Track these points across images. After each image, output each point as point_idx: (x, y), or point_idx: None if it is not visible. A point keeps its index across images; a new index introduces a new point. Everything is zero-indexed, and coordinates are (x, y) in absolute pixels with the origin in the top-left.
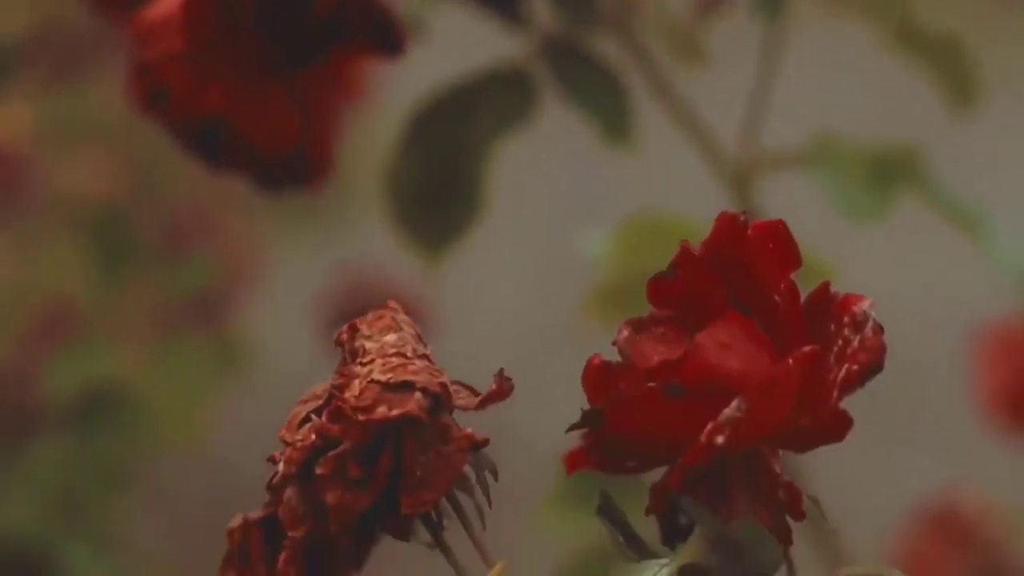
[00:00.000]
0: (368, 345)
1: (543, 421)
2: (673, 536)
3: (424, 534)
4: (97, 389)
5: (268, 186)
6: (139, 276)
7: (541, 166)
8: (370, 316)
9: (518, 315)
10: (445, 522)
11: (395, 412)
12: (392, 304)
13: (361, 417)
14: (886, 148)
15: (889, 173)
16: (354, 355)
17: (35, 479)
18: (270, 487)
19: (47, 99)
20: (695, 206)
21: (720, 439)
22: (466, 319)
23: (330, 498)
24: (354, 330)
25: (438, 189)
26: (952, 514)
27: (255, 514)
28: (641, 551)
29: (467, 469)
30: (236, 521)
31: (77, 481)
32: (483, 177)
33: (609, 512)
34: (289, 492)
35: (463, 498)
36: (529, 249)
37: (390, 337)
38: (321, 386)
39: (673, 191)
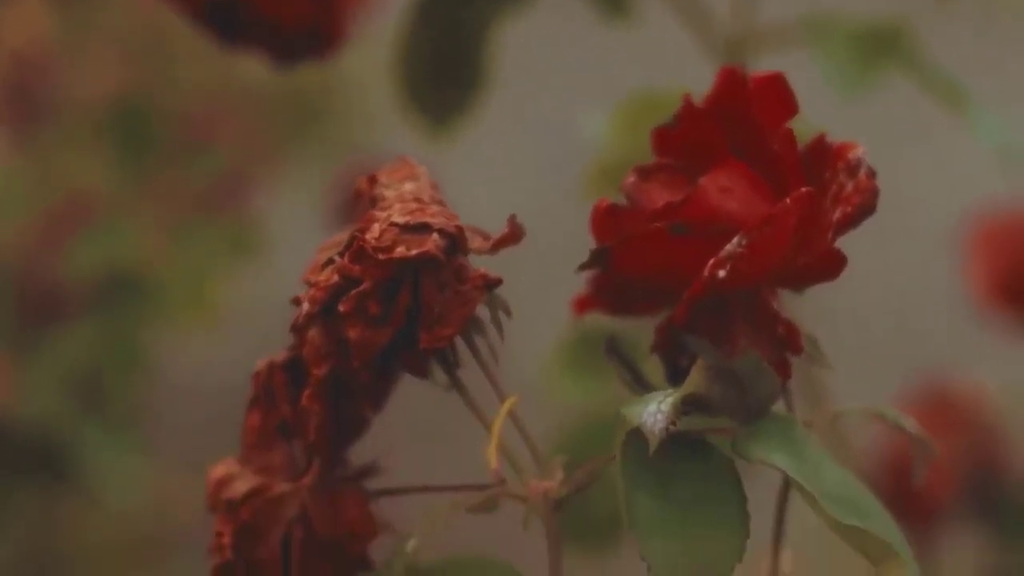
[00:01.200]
0: (387, 193)
1: (542, 303)
2: (676, 375)
3: (440, 376)
4: (116, 272)
5: (283, 59)
6: (157, 168)
7: (541, 48)
8: (388, 167)
9: (519, 195)
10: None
11: (413, 251)
12: (407, 158)
13: (381, 256)
14: (875, 25)
15: (878, 49)
16: (374, 202)
17: (56, 364)
18: (294, 328)
19: (62, 2)
20: (691, 85)
21: (722, 273)
22: (468, 204)
23: (352, 334)
24: (373, 180)
25: (443, 69)
26: (944, 397)
27: (279, 356)
28: (647, 388)
29: (481, 310)
30: (261, 365)
31: (97, 364)
32: (485, 57)
33: (616, 352)
34: (313, 331)
35: (478, 341)
36: (530, 130)
37: (408, 185)
38: (342, 234)
39: (668, 70)
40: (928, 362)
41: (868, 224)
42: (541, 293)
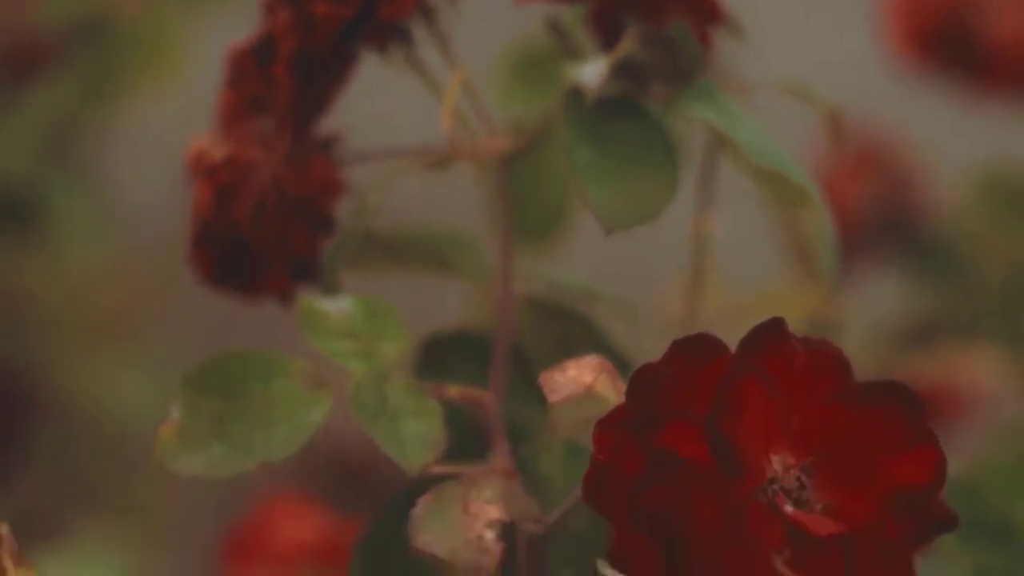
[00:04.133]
0: None
1: None
2: (610, 46)
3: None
4: (89, 18)
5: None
6: None
7: None
8: None
9: None
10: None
11: None
12: None
13: None
14: None
15: None
16: None
17: (28, 119)
18: (265, 7)
19: None
20: None
21: None
22: None
23: (319, 10)
24: None
25: None
26: (861, 142)
27: (247, 42)
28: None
29: None
30: (231, 49)
31: (68, 120)
32: None
33: (557, 29)
34: (282, 11)
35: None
36: None
37: None
38: None
39: None
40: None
41: None
42: None
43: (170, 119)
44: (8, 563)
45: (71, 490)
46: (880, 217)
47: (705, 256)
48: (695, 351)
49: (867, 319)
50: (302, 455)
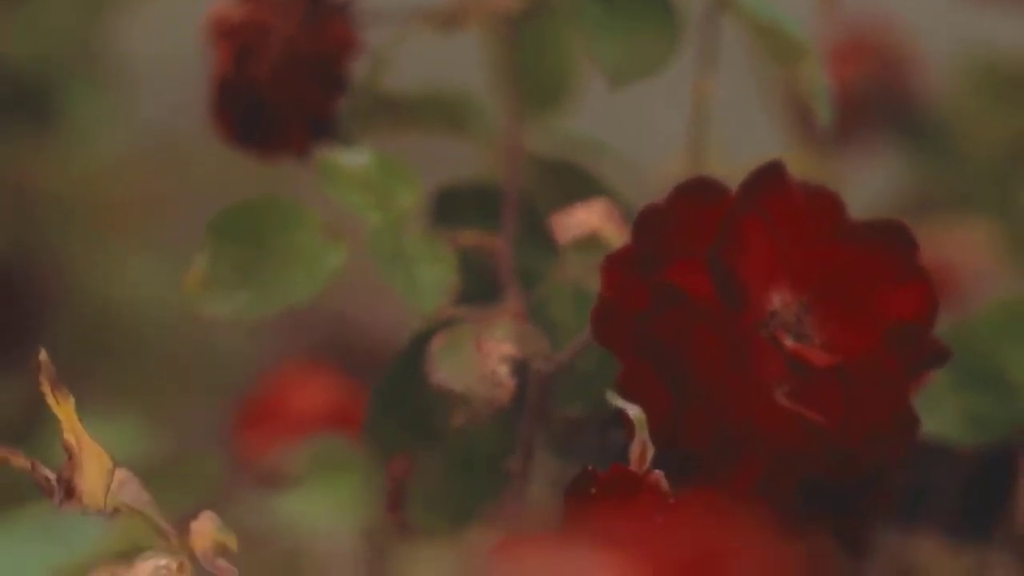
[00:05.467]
0: None
1: None
2: None
3: None
4: None
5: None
6: None
7: None
8: None
9: None
10: None
11: None
12: None
13: None
14: None
15: None
16: None
17: (40, 12)
18: None
19: None
20: None
21: None
22: None
23: None
24: None
25: None
26: (856, 28)
27: None
28: None
29: None
30: None
31: (83, 7)
32: None
33: None
34: None
35: None
36: None
37: None
38: None
39: None
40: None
41: None
42: None
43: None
44: (47, 388)
45: (82, 377)
46: (873, 99)
47: (705, 121)
48: (698, 192)
49: (861, 199)
50: (307, 333)
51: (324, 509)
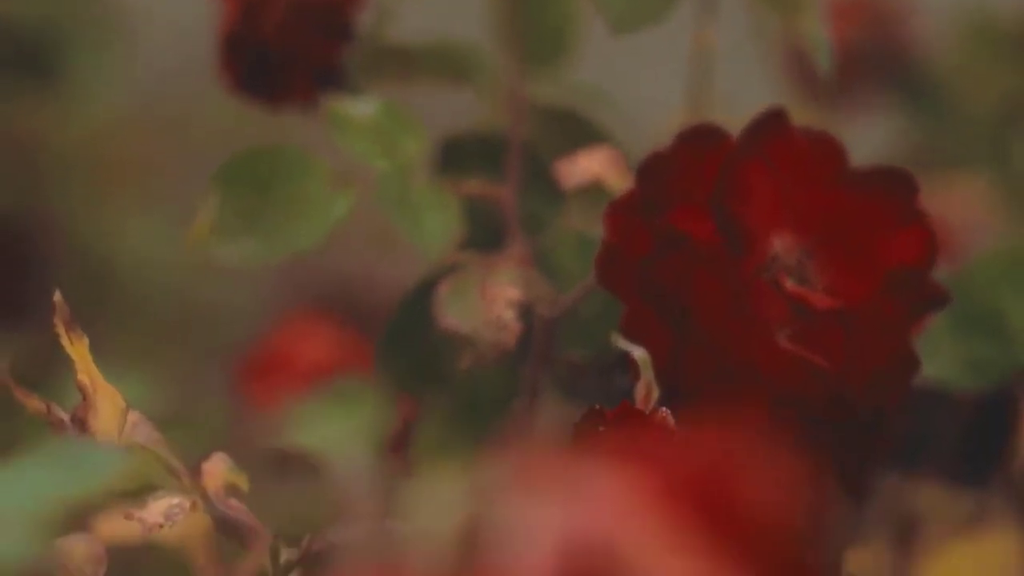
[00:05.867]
0: None
1: None
2: None
3: None
4: None
5: None
6: None
7: None
8: None
9: None
10: None
11: None
12: None
13: None
14: None
15: None
16: None
17: None
18: None
19: None
20: None
21: None
22: None
23: None
24: None
25: None
26: None
27: None
28: None
29: None
30: None
31: None
32: None
33: None
34: None
35: None
36: None
37: None
38: None
39: None
40: None
41: None
42: None
43: None
44: (61, 328)
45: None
46: (870, 55)
47: (705, 73)
48: (700, 138)
49: (858, 155)
50: (309, 292)
51: (338, 436)
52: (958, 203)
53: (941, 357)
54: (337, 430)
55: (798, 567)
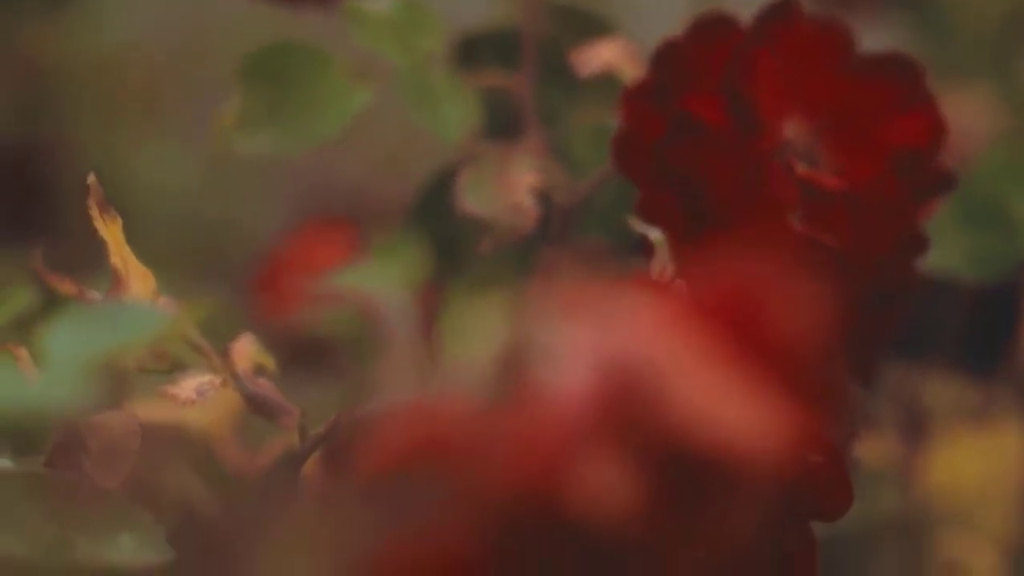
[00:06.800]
0: None
1: None
2: None
3: None
4: None
5: None
6: None
7: None
8: None
9: None
10: None
11: None
12: None
13: None
14: None
15: None
16: None
17: None
18: None
19: None
20: None
21: None
22: None
23: None
24: None
25: None
26: None
27: None
28: None
29: None
30: None
31: None
32: None
33: None
34: None
35: None
36: None
37: None
38: None
39: None
40: None
41: None
42: None
43: None
44: (95, 211)
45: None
46: None
47: None
48: (713, 26)
49: None
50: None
51: (378, 278)
52: (958, 114)
53: (946, 248)
54: (377, 274)
55: (819, 386)
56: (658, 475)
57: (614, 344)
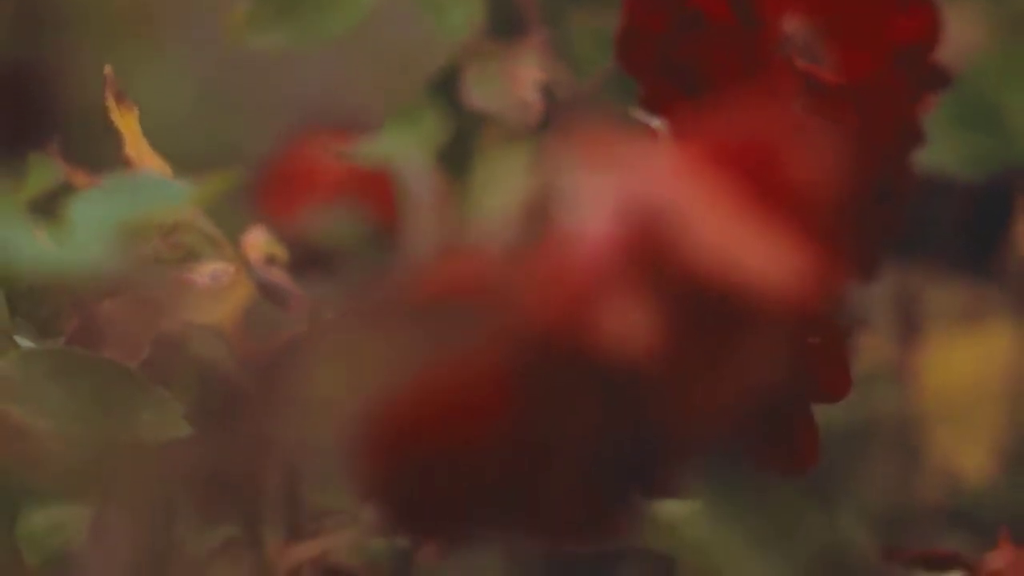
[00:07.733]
0: None
1: None
2: None
3: None
4: None
5: None
6: None
7: None
8: None
9: None
10: None
11: None
12: None
13: None
14: None
15: None
16: None
17: None
18: None
19: None
20: None
21: None
22: None
23: None
24: None
25: None
26: None
27: None
28: None
29: None
30: None
31: None
32: None
33: None
34: None
35: None
36: None
37: None
38: None
39: None
40: None
41: None
42: None
43: None
44: (112, 102)
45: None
46: None
47: None
48: None
49: None
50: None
51: (400, 144)
52: (956, 24)
53: (940, 147)
54: (395, 140)
55: (830, 230)
56: (678, 313)
57: (635, 189)
